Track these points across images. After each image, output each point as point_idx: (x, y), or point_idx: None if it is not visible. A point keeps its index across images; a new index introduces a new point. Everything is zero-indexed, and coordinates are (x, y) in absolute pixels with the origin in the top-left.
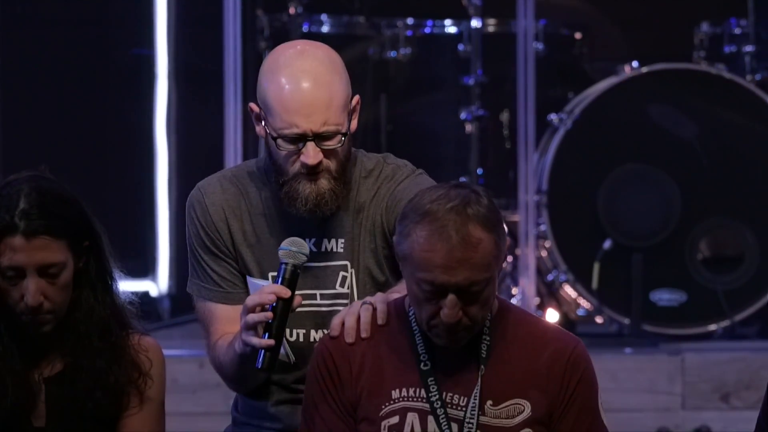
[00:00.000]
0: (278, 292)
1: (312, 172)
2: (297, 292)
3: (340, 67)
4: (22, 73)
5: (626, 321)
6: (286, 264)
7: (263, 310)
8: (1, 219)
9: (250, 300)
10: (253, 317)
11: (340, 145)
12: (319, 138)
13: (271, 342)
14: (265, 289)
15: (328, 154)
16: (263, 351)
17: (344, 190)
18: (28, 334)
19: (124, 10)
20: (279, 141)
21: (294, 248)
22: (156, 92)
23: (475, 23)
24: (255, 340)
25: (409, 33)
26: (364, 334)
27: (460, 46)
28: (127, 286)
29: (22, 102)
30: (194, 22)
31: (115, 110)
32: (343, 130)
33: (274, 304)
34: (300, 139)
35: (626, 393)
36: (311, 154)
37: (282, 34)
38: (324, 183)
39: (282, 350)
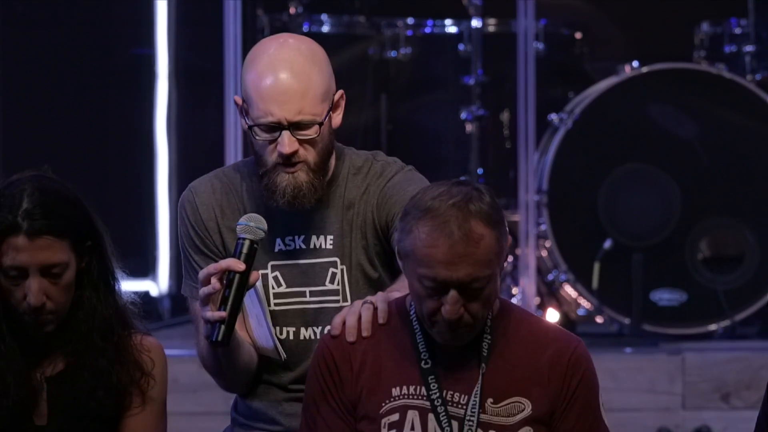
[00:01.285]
0: (230, 265)
1: (288, 162)
2: (288, 290)
3: (321, 60)
4: (22, 73)
5: (626, 321)
6: (244, 239)
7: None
8: (4, 219)
9: (202, 273)
10: (203, 290)
11: (316, 135)
12: (294, 127)
13: (223, 314)
14: (220, 262)
15: (305, 144)
16: (218, 324)
17: (324, 183)
18: (31, 334)
19: (124, 10)
20: (255, 129)
21: (252, 223)
22: (156, 92)
23: (476, 23)
24: (208, 314)
25: (409, 33)
26: (365, 333)
27: (461, 46)
28: (127, 285)
29: (22, 102)
30: (194, 22)
31: (115, 110)
32: (320, 120)
33: (231, 277)
34: (276, 128)
35: (626, 393)
36: (286, 142)
37: None
38: (302, 175)
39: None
